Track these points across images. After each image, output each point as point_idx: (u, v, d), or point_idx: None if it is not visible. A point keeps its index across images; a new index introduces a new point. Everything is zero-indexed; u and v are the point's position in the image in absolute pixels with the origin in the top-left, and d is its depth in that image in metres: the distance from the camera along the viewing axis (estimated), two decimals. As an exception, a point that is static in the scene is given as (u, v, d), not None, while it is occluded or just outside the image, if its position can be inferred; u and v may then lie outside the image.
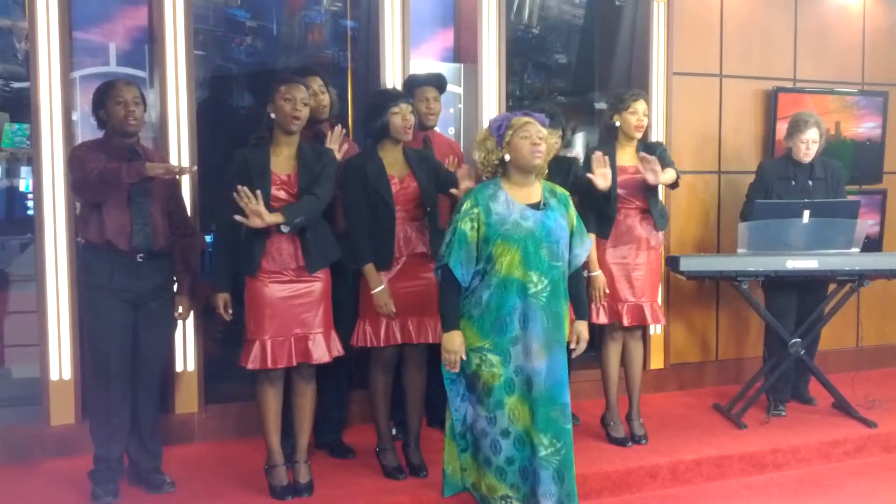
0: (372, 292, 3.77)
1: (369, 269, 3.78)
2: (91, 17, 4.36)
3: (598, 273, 4.30)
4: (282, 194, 3.58)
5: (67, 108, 4.10)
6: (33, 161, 4.12)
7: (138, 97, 3.62)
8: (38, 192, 4.09)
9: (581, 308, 3.64)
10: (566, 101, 6.50)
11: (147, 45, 4.41)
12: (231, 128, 5.69)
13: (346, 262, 3.84)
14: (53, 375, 4.12)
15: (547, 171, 4.14)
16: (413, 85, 4.30)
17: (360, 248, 3.81)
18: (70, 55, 4.14)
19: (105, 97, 3.60)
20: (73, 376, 4.14)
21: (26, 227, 5.39)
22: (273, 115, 3.61)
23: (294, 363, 3.60)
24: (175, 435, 4.30)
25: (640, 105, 4.38)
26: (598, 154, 4.16)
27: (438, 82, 4.36)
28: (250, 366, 3.55)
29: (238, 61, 6.03)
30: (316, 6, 5.85)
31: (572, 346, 3.58)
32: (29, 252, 5.11)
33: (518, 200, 3.42)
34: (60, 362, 4.13)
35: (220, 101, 5.88)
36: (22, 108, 5.48)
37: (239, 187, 3.42)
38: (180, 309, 3.82)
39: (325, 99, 4.11)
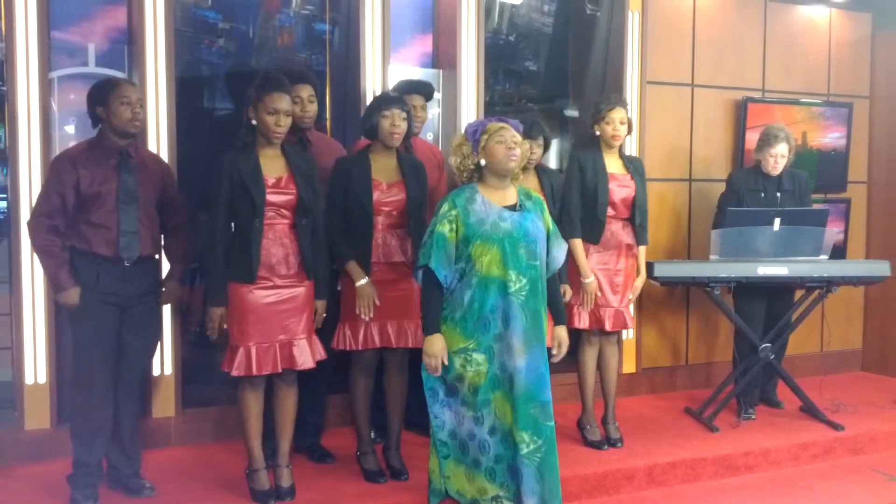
0: (356, 285, 3.76)
1: (352, 265, 3.78)
2: (70, 16, 4.29)
3: (591, 280, 4.35)
4: (275, 198, 3.55)
5: (45, 109, 4.05)
6: (10, 162, 4.06)
7: (141, 99, 3.60)
8: (15, 194, 4.03)
9: (558, 313, 3.69)
10: (535, 108, 6.57)
11: (126, 46, 4.37)
12: (204, 130, 5.66)
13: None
14: (28, 379, 4.06)
15: (539, 182, 4.23)
16: (400, 91, 4.31)
17: (338, 247, 3.82)
18: (48, 55, 4.09)
19: (108, 95, 3.54)
20: (48, 380, 4.08)
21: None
22: (254, 122, 3.57)
23: (279, 369, 3.58)
24: (152, 439, 4.26)
25: (615, 114, 4.42)
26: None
27: (426, 90, 4.38)
28: (234, 373, 3.53)
29: (210, 63, 5.99)
30: (293, 9, 5.84)
31: (553, 351, 3.62)
32: (-3, 254, 5.05)
33: (494, 202, 3.47)
34: (35, 366, 4.07)
35: (192, 103, 5.83)
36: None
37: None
38: (164, 291, 3.74)
39: (313, 109, 4.09)
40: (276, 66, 5.51)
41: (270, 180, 3.56)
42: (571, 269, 4.34)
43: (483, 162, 3.47)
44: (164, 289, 3.79)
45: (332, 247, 3.82)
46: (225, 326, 3.56)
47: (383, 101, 3.90)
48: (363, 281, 3.77)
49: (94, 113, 3.60)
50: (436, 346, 3.44)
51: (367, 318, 3.79)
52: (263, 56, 5.89)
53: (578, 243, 4.35)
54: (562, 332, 3.65)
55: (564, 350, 3.65)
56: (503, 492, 3.48)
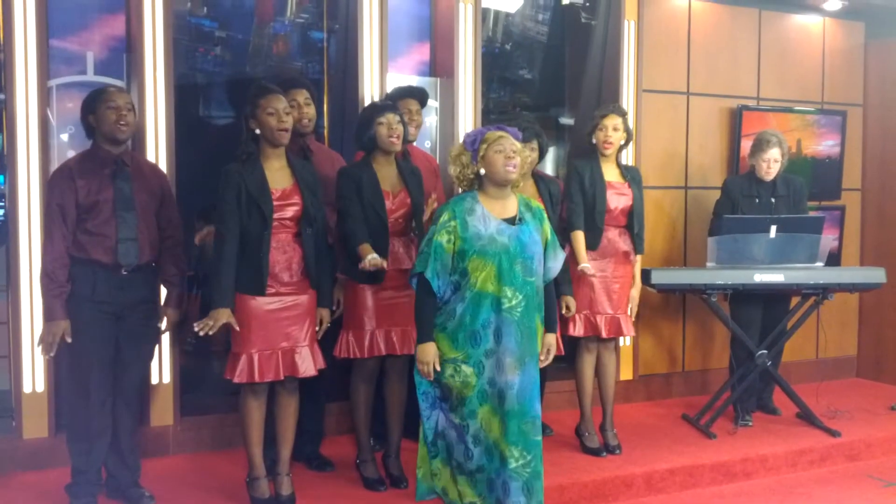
0: (367, 257, 3.61)
1: (366, 246, 3.68)
2: (68, 25, 4.29)
3: (587, 265, 4.29)
4: (281, 209, 3.55)
5: (44, 117, 4.05)
6: (8, 170, 4.05)
7: (130, 104, 3.60)
8: (13, 202, 4.02)
9: (551, 321, 3.70)
10: (530, 116, 6.58)
11: (125, 54, 4.37)
12: (200, 137, 5.66)
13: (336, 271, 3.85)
14: (27, 388, 4.05)
15: (536, 189, 4.25)
16: (395, 97, 4.33)
17: (355, 232, 3.73)
18: (47, 63, 4.09)
19: (95, 102, 3.55)
20: (46, 389, 4.07)
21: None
22: (258, 131, 3.58)
23: (281, 377, 3.57)
24: (150, 447, 4.25)
25: (608, 120, 4.45)
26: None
27: (420, 95, 4.39)
28: (237, 379, 3.52)
29: (206, 71, 5.99)
30: (289, 17, 5.85)
31: (542, 357, 3.63)
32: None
33: (494, 215, 3.48)
34: (34, 374, 4.06)
35: (188, 112, 5.83)
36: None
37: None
38: (165, 320, 3.78)
39: (311, 112, 4.10)
40: (268, 75, 5.52)
41: (276, 192, 3.56)
42: (574, 277, 4.38)
43: (482, 171, 3.48)
44: (164, 318, 3.78)
45: (348, 234, 3.76)
46: (237, 328, 3.50)
47: (376, 109, 3.90)
48: (373, 255, 3.64)
49: (86, 123, 3.61)
50: (428, 354, 3.49)
51: (368, 264, 3.61)
52: (259, 64, 5.90)
53: (580, 236, 4.37)
54: (551, 339, 3.67)
55: (552, 357, 3.68)
56: (480, 501, 3.53)
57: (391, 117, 3.84)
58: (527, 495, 3.45)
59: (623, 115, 4.50)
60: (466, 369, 3.47)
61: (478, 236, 3.41)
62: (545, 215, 3.64)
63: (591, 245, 4.42)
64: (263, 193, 3.52)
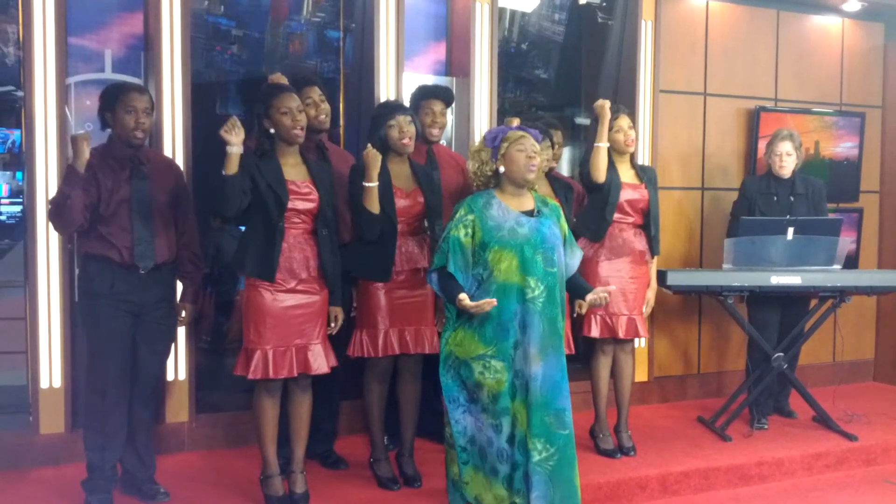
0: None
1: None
2: (87, 23, 4.33)
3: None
4: (298, 202, 3.56)
5: (62, 115, 4.06)
6: (26, 167, 4.08)
7: (149, 107, 3.58)
8: (31, 199, 4.05)
9: (584, 289, 3.64)
10: (546, 116, 6.56)
11: (143, 52, 4.39)
12: (217, 136, 5.67)
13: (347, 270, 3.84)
14: (44, 383, 4.07)
15: (552, 190, 4.23)
16: (420, 97, 4.31)
17: (372, 223, 3.77)
18: (65, 61, 4.11)
19: (115, 102, 3.54)
20: (63, 384, 4.09)
21: (2, 232, 5.34)
22: (272, 130, 3.58)
23: (295, 374, 3.58)
24: (165, 444, 4.27)
25: (622, 121, 4.46)
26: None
27: (445, 96, 4.37)
28: (251, 375, 3.52)
29: (223, 69, 6.00)
30: (305, 16, 5.86)
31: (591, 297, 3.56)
32: (6, 258, 5.07)
33: (512, 208, 3.47)
34: (51, 370, 4.08)
35: (204, 110, 5.85)
36: (2, 112, 5.45)
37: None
38: (183, 314, 3.79)
39: (326, 108, 4.09)
40: (282, 73, 5.53)
41: (293, 186, 3.57)
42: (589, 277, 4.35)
43: (502, 169, 3.47)
44: (182, 313, 3.80)
45: (366, 230, 3.78)
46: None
47: (386, 110, 3.90)
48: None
49: (102, 117, 3.61)
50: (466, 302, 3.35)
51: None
52: (275, 63, 5.91)
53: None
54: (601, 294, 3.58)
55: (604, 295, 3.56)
56: (519, 499, 3.46)
57: (402, 119, 3.84)
58: (551, 488, 3.39)
59: (628, 113, 4.52)
60: (497, 364, 3.42)
61: (498, 227, 3.40)
62: (561, 213, 3.63)
63: (596, 237, 4.41)
64: (280, 183, 3.51)
